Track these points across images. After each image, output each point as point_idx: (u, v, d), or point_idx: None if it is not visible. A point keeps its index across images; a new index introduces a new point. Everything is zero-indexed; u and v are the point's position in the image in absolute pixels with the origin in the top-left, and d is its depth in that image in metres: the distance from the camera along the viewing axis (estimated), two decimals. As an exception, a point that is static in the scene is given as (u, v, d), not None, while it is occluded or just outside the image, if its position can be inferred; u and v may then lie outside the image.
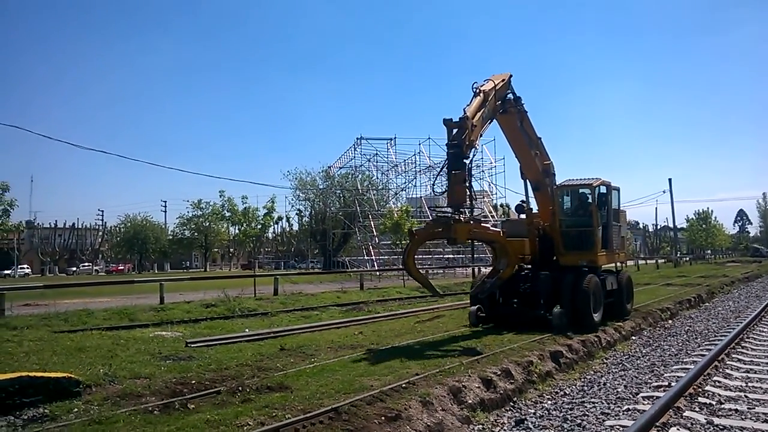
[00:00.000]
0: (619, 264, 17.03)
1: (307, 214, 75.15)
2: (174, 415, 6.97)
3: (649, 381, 9.74)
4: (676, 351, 12.61)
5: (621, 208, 16.50)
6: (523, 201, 15.41)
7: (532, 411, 8.27)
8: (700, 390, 8.77)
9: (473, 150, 12.00)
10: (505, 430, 7.50)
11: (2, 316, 16.85)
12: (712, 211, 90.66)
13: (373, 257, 54.51)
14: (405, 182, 63.21)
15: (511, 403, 8.70)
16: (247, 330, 14.34)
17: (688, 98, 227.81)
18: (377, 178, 64.86)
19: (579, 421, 7.48)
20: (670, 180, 68.60)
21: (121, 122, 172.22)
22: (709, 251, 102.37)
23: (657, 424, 6.98)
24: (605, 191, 15.16)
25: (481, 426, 7.68)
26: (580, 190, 15.36)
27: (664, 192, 69.30)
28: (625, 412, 7.71)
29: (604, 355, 12.38)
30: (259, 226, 28.51)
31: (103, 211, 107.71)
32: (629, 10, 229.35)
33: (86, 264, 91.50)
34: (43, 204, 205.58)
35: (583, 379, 10.26)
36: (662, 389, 8.79)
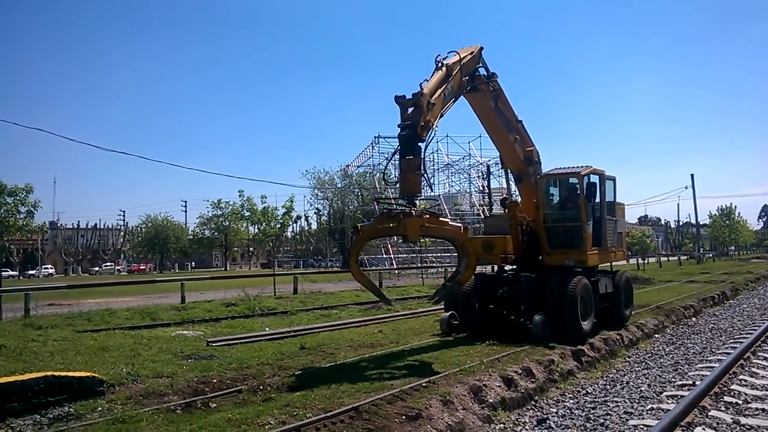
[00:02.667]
0: (616, 263, 15.37)
1: (326, 213, 75.40)
2: (196, 414, 7.03)
3: (673, 380, 9.62)
4: (701, 349, 12.43)
5: (618, 201, 14.76)
6: (509, 193, 13.95)
7: (554, 410, 8.20)
8: (725, 389, 8.64)
9: (431, 132, 10.32)
10: (526, 429, 7.44)
11: (27, 315, 17.09)
12: (735, 206, 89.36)
13: (392, 255, 54.49)
14: (423, 180, 62.99)
15: (533, 402, 8.62)
16: (267, 329, 14.41)
17: (710, 93, 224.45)
18: (396, 176, 64.74)
19: (602, 421, 7.40)
20: (692, 176, 68.11)
21: (141, 123, 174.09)
22: (732, 247, 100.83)
23: (682, 423, 6.89)
24: (597, 181, 13.20)
25: (502, 425, 7.62)
26: (570, 180, 13.33)
27: (686, 188, 68.11)
28: (649, 412, 7.62)
29: (626, 354, 12.24)
30: (278, 226, 28.66)
31: (124, 211, 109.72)
32: (648, 8, 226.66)
33: (108, 264, 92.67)
34: (66, 205, 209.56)
35: (605, 378, 10.15)
36: (687, 388, 8.68)
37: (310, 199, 73.04)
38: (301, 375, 8.92)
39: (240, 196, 28.43)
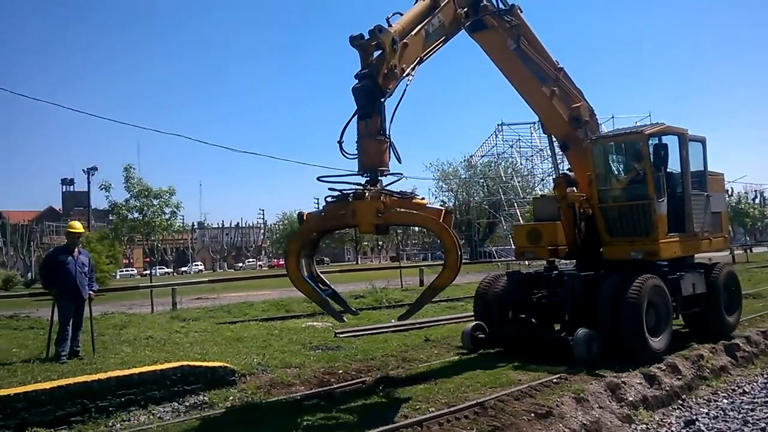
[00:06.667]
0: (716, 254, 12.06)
1: (451, 205, 74.99)
2: (321, 404, 7.10)
3: None
4: None
5: (713, 171, 11.14)
6: (569, 169, 10.97)
7: (705, 410, 7.46)
8: None
9: (401, 82, 7.40)
10: (672, 431, 6.76)
11: (174, 309, 18.45)
12: None
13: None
14: (551, 167, 60.95)
15: (680, 402, 7.91)
16: (393, 321, 14.42)
17: None
18: (521, 164, 63.05)
19: (762, 425, 6.59)
20: None
21: (272, 125, 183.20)
22: None
23: None
24: (678, 142, 9.96)
25: (644, 426, 7.03)
26: (636, 144, 9.87)
27: None
28: (823, 416, 6.65)
29: (791, 348, 10.87)
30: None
31: (263, 210, 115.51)
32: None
33: (250, 260, 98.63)
34: (211, 206, 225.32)
35: (766, 376, 9.08)
36: None
37: (435, 191, 72.95)
38: (425, 368, 8.80)
39: (363, 190, 28.92)
